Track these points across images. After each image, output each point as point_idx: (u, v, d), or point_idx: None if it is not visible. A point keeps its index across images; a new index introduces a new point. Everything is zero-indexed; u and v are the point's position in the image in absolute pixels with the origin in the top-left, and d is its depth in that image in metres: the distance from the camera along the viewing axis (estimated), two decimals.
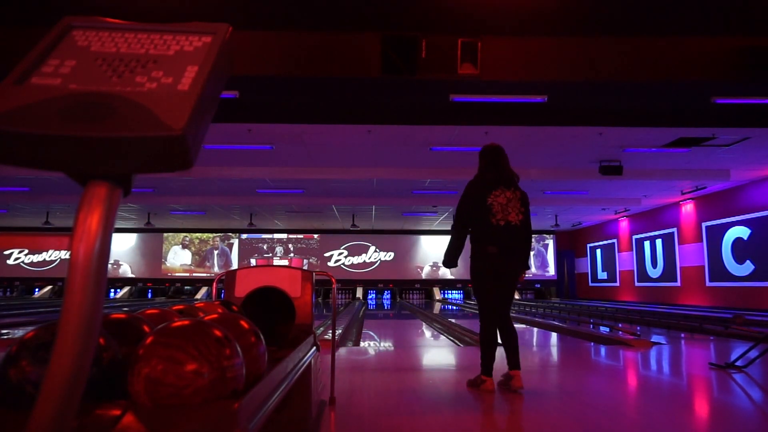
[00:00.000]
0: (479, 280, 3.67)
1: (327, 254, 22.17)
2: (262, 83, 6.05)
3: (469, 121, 7.31)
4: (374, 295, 22.18)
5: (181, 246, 22.29)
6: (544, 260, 22.55)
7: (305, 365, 2.16)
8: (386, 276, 22.13)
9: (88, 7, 5.01)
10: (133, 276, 22.09)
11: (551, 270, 22.45)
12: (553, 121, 7.55)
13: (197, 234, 22.26)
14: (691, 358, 5.80)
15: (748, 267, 12.72)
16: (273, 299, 2.40)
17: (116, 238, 21.38)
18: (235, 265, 21.43)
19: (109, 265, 18.71)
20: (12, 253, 21.66)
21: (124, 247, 21.97)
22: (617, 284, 19.51)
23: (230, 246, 22.34)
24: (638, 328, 9.17)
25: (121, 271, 21.96)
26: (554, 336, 8.41)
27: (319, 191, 13.40)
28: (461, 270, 22.33)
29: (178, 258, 22.25)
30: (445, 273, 22.17)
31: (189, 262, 22.24)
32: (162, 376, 1.06)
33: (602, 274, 20.77)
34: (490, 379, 3.56)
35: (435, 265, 22.12)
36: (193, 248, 22.33)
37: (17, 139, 0.53)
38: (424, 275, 22.16)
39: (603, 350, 6.13)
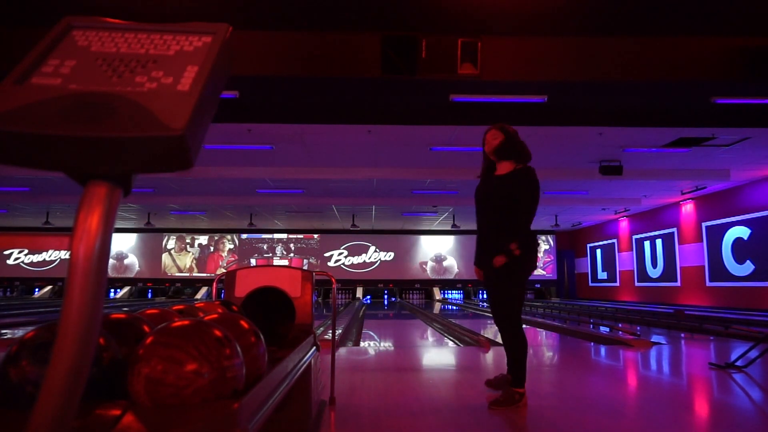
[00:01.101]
0: (525, 280, 3.27)
1: (327, 254, 22.17)
2: (262, 83, 6.05)
3: (469, 121, 7.31)
4: (369, 298, 22.17)
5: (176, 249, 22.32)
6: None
7: (305, 365, 2.16)
8: (386, 276, 22.13)
9: (88, 7, 5.01)
10: (133, 276, 22.10)
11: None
12: (553, 121, 7.55)
13: (197, 236, 22.26)
14: (691, 358, 5.80)
15: (748, 267, 12.72)
16: (273, 299, 2.41)
17: (116, 237, 21.39)
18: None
19: (113, 259, 18.71)
20: (12, 253, 21.66)
21: (124, 247, 21.99)
22: (617, 284, 19.51)
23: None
24: (638, 328, 9.17)
25: (126, 262, 21.89)
26: (554, 336, 8.41)
27: (319, 191, 13.41)
28: (462, 270, 22.43)
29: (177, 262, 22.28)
30: (451, 266, 22.08)
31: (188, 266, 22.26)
32: (162, 376, 1.06)
33: (602, 274, 20.77)
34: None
35: (438, 259, 22.05)
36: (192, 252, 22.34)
37: (17, 139, 0.53)
38: (428, 269, 22.10)
39: (603, 350, 6.13)
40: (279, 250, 22.30)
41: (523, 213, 3.20)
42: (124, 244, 21.93)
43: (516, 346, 3.17)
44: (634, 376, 4.67)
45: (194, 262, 22.28)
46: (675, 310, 11.32)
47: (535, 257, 3.30)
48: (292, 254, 22.29)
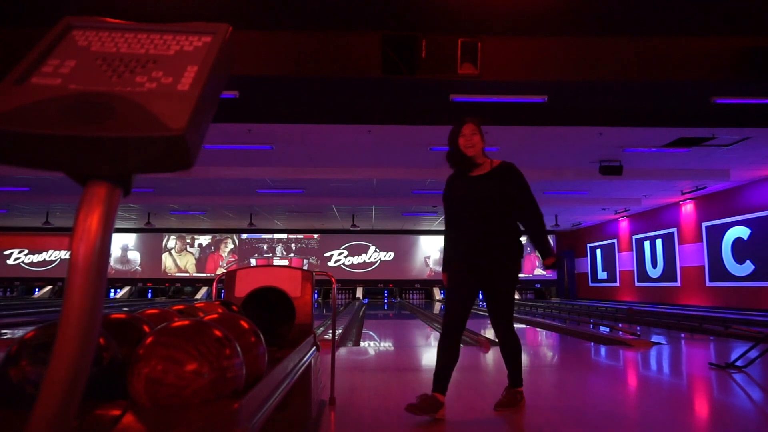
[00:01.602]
0: None
1: (327, 254, 22.17)
2: (262, 83, 6.05)
3: None
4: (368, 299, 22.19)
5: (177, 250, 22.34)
6: None
7: (305, 365, 2.16)
8: (386, 276, 22.13)
9: (88, 7, 5.01)
10: (132, 272, 22.10)
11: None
12: (553, 121, 7.55)
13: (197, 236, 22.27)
14: (691, 358, 5.80)
15: (748, 267, 12.71)
16: (273, 299, 2.40)
17: (116, 237, 21.41)
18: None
19: (119, 249, 18.58)
20: (12, 253, 21.65)
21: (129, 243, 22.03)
22: (617, 284, 19.51)
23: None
24: (638, 328, 9.17)
25: (130, 256, 21.87)
26: (554, 336, 8.41)
27: (319, 191, 13.41)
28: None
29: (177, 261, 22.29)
30: None
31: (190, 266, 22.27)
32: (162, 376, 1.06)
33: (602, 274, 20.77)
34: None
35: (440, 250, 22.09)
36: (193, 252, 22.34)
37: (17, 139, 0.53)
38: (431, 262, 22.07)
39: (603, 350, 6.13)
40: (279, 250, 22.30)
41: (536, 209, 3.18)
42: (127, 242, 22.00)
43: (517, 347, 3.18)
44: (634, 376, 4.67)
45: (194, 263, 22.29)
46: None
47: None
48: (292, 254, 22.29)
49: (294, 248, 22.29)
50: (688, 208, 15.01)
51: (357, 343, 7.21)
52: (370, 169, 10.80)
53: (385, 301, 21.72)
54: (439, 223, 20.08)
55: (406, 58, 5.27)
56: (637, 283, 18.06)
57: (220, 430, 1.03)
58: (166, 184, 12.68)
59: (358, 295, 21.43)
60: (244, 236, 22.25)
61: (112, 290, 21.60)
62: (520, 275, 3.20)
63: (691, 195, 13.96)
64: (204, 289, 21.71)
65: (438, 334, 8.52)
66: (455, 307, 3.10)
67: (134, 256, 22.06)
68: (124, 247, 21.95)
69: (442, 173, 11.40)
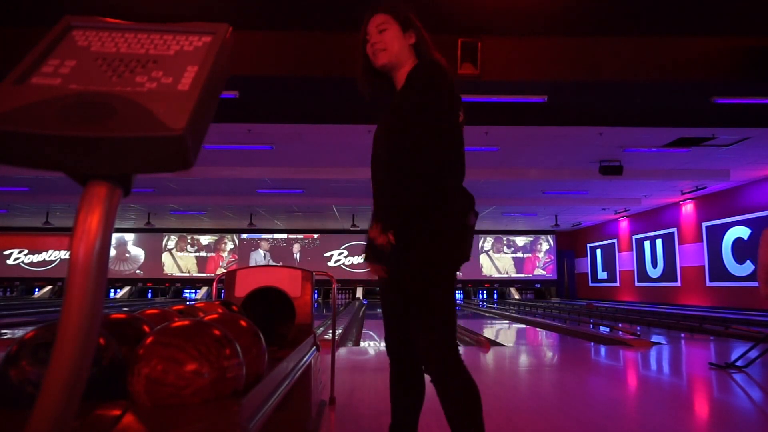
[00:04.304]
0: (453, 280, 1.78)
1: (327, 254, 22.17)
2: (262, 83, 6.05)
3: (469, 121, 7.28)
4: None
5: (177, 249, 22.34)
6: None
7: (305, 365, 2.16)
8: None
9: (88, 7, 5.01)
10: (134, 275, 22.10)
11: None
12: (553, 121, 7.55)
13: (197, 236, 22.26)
14: (691, 358, 5.80)
15: (748, 267, 12.72)
16: (273, 299, 2.40)
17: (116, 237, 21.40)
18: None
19: (115, 250, 18.47)
20: (12, 253, 21.65)
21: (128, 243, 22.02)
22: (617, 284, 19.51)
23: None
24: (638, 328, 9.17)
25: (130, 249, 21.82)
26: (554, 336, 8.41)
27: (319, 191, 13.41)
28: (461, 269, 22.27)
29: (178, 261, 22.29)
30: None
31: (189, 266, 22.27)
32: (162, 376, 1.06)
33: (602, 274, 20.77)
34: None
35: None
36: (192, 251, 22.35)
37: (17, 139, 0.53)
38: None
39: (603, 350, 6.13)
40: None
41: (412, 146, 1.69)
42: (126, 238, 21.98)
43: (468, 405, 1.76)
44: (634, 376, 4.67)
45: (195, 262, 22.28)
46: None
47: (452, 242, 1.73)
48: None
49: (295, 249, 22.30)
50: (688, 208, 15.01)
51: (357, 343, 7.20)
52: (370, 169, 10.80)
53: None
54: None
55: None
56: (637, 283, 18.07)
57: (220, 430, 1.03)
58: (166, 184, 12.68)
59: (358, 295, 21.43)
60: (244, 236, 22.26)
61: (112, 290, 21.60)
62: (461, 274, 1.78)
63: (691, 195, 13.96)
64: (204, 289, 21.71)
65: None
66: (387, 324, 1.89)
67: (136, 252, 22.00)
68: (119, 241, 21.81)
69: None
